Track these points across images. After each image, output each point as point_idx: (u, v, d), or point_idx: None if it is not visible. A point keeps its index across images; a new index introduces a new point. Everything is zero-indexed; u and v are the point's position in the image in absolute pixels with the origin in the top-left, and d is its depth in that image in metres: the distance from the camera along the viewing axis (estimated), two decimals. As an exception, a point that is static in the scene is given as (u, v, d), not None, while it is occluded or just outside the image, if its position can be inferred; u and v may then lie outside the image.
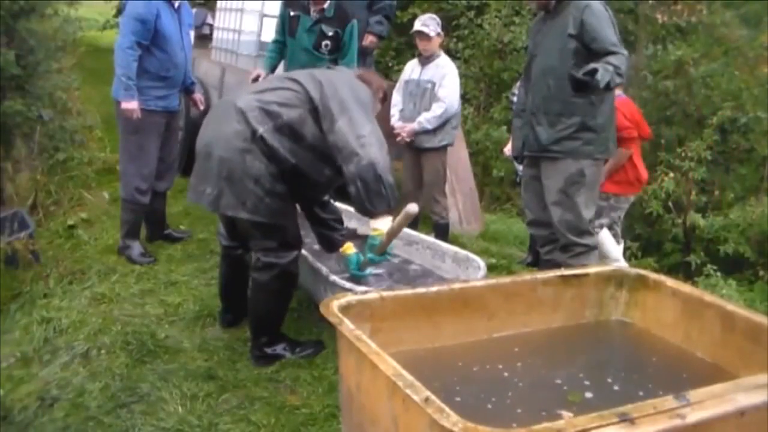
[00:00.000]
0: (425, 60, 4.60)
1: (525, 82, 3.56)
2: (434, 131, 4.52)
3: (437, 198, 4.67)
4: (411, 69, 4.69)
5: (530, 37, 3.64)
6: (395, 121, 4.62)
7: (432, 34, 4.55)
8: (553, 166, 3.34)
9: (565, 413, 1.64)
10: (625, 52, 3.14)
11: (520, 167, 4.62)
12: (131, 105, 4.01)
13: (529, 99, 3.43)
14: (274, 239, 2.90)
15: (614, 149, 3.50)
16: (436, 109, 4.50)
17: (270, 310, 3.04)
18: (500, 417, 1.74)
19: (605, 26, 3.16)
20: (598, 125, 3.28)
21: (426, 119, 4.49)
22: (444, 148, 4.63)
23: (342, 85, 2.84)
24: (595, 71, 2.95)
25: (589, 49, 3.17)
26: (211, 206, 2.86)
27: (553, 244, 3.51)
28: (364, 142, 2.65)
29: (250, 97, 2.86)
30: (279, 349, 3.08)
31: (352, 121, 2.70)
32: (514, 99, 4.67)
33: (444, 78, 4.54)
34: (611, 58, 3.05)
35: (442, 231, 4.61)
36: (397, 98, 4.69)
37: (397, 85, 4.75)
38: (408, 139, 4.53)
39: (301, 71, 3.13)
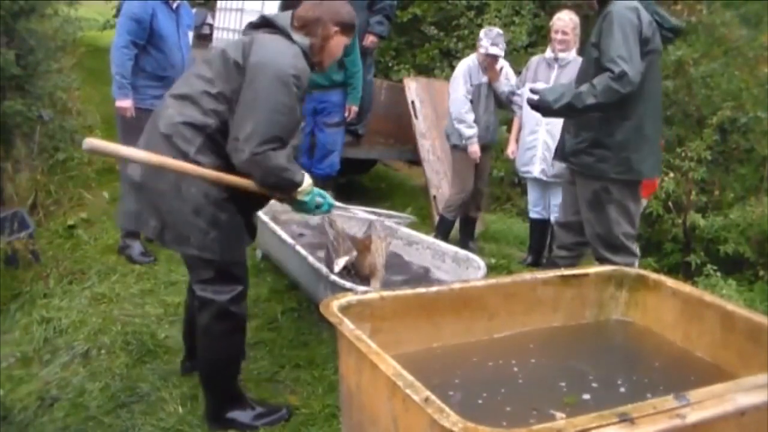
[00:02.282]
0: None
1: None
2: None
3: (485, 194, 5.05)
4: (478, 77, 4.64)
5: None
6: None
7: (502, 54, 4.60)
8: (579, 177, 3.21)
9: (558, 414, 1.64)
10: (622, 67, 2.87)
11: (523, 169, 4.62)
12: (125, 103, 4.03)
13: None
14: (211, 268, 2.50)
15: (649, 170, 3.20)
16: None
17: (216, 360, 2.60)
18: (492, 415, 1.74)
19: (615, 37, 2.92)
20: (614, 143, 3.04)
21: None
22: None
23: (258, 73, 2.40)
24: (536, 92, 3.02)
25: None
26: (157, 239, 2.55)
27: (568, 252, 3.40)
28: (237, 147, 2.38)
29: (171, 113, 2.48)
30: (238, 415, 2.62)
31: (244, 120, 2.38)
32: (516, 98, 4.68)
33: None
34: (596, 78, 2.94)
35: (473, 225, 4.93)
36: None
37: (466, 101, 4.59)
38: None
39: (223, 51, 2.55)
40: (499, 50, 4.49)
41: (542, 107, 3.11)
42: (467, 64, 4.67)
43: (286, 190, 2.48)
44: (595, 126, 3.07)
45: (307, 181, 2.50)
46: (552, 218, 4.50)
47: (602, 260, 3.16)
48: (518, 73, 4.82)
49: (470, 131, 4.55)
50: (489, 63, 4.55)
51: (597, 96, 2.91)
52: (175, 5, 4.23)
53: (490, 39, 4.50)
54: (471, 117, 4.55)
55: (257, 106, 2.37)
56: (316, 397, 2.80)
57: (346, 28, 2.62)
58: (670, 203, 6.85)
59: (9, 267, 4.43)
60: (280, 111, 2.37)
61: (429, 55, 8.52)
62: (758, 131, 7.43)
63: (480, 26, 8.69)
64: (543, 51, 4.68)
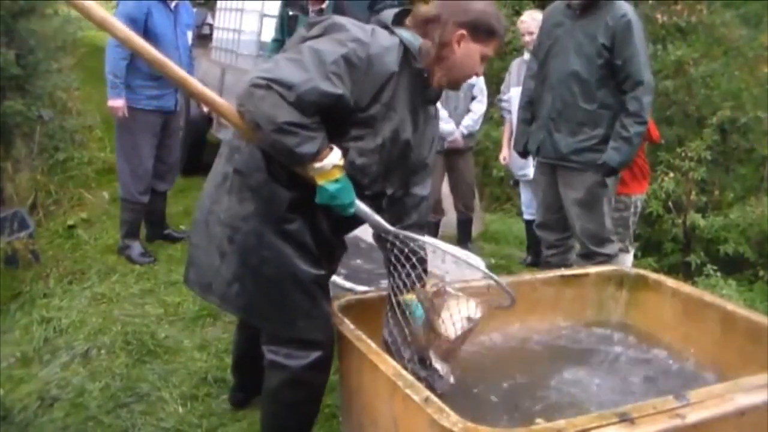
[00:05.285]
0: None
1: (540, 78, 3.29)
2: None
3: (474, 194, 4.83)
4: None
5: (546, 28, 3.30)
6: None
7: None
8: (571, 175, 3.20)
9: (538, 420, 1.63)
10: (645, 78, 3.03)
11: (519, 172, 4.60)
12: (117, 103, 4.02)
13: (548, 101, 3.21)
14: (280, 325, 2.00)
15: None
16: (479, 109, 4.52)
17: (282, 429, 2.15)
18: (487, 412, 1.75)
19: (640, 51, 3.02)
20: None
21: (473, 121, 4.49)
22: None
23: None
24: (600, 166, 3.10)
25: (613, 65, 3.05)
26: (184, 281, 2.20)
27: (556, 249, 3.44)
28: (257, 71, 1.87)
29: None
30: None
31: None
32: (504, 104, 4.67)
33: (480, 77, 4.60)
34: (631, 104, 3.03)
35: (469, 225, 4.78)
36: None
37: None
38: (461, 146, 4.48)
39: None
40: None
41: (617, 170, 3.16)
42: None
43: (283, 154, 1.83)
44: (604, 123, 3.12)
45: (331, 160, 1.82)
46: None
47: (590, 255, 3.24)
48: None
49: (448, 127, 4.36)
50: None
51: (644, 120, 3.06)
52: (173, 5, 4.21)
53: None
54: (445, 113, 4.32)
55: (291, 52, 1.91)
56: (316, 397, 2.80)
57: (481, 31, 1.94)
58: (670, 203, 6.85)
59: (9, 267, 4.43)
60: (308, 64, 1.81)
61: (429, 55, 8.51)
62: (758, 131, 7.43)
63: (480, 26, 8.71)
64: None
